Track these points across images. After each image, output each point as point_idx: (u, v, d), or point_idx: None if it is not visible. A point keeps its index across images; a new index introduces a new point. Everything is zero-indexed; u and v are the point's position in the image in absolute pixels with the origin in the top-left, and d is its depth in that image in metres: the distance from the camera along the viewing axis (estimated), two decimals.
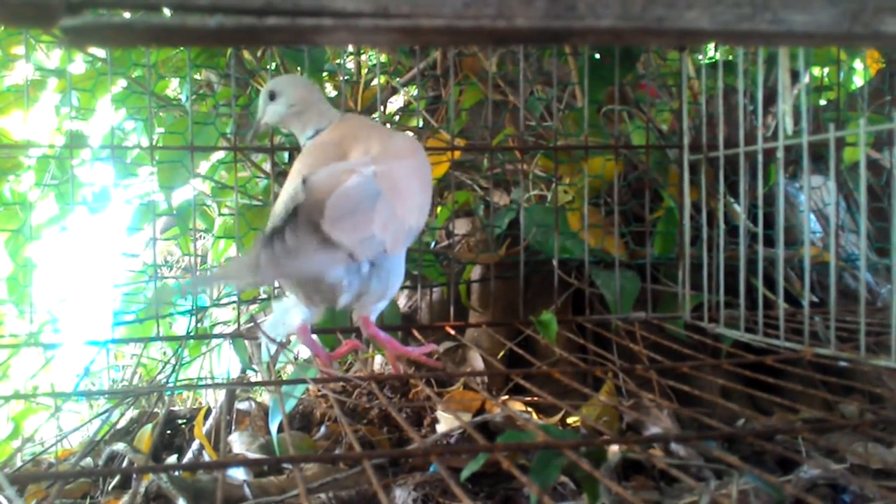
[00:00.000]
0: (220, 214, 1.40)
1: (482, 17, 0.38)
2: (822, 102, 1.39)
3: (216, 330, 1.51)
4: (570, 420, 1.08)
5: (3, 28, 1.35)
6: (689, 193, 1.08)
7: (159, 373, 1.48)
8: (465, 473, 0.71)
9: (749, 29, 0.41)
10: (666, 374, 0.88)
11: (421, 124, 1.29)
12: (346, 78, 1.35)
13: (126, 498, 0.97)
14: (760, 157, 0.94)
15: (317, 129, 0.94)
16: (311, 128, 0.94)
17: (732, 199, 1.13)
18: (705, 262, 1.03)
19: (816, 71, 1.36)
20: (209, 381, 1.52)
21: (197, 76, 1.59)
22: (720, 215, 1.06)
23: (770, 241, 1.10)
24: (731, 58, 1.32)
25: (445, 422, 1.13)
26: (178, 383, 1.37)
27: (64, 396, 0.92)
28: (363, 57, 1.56)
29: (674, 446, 0.96)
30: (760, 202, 0.94)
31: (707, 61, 1.33)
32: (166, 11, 0.37)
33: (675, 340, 1.01)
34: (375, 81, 1.44)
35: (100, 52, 1.40)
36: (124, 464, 1.17)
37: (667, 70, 1.33)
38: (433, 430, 1.16)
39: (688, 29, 0.40)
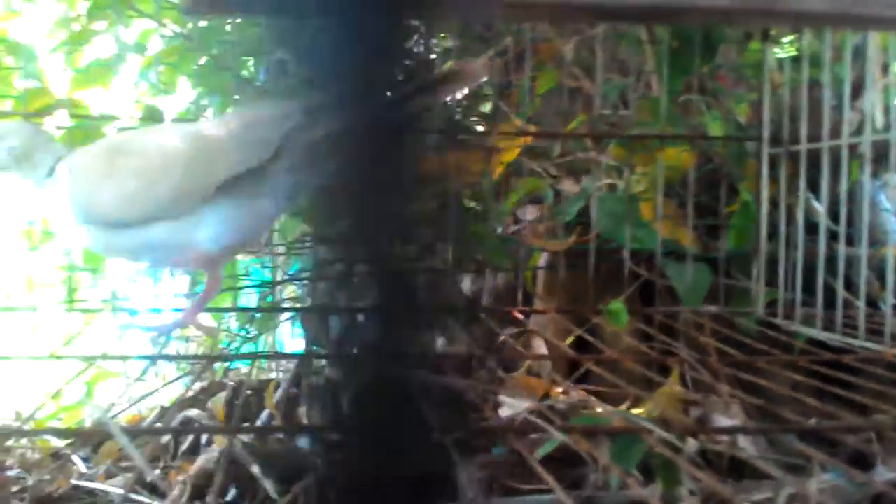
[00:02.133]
0: None
1: None
2: None
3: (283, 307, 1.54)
4: (635, 411, 1.07)
5: (93, 3, 1.39)
6: (768, 188, 1.06)
7: (229, 344, 1.51)
8: (541, 452, 0.72)
9: (864, 13, 0.40)
10: (737, 368, 0.87)
11: (489, 109, 1.30)
12: (421, 61, 1.36)
13: (199, 461, 1.01)
14: (845, 153, 0.92)
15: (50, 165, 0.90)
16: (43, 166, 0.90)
17: (812, 195, 1.11)
18: (782, 258, 1.02)
19: None
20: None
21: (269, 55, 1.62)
22: (799, 211, 1.04)
23: (850, 240, 1.08)
24: (807, 51, 1.28)
25: (509, 406, 1.13)
26: (250, 353, 1.40)
27: (139, 358, 0.96)
28: (433, 41, 1.56)
29: (741, 441, 0.95)
30: (844, 199, 0.92)
31: (787, 54, 1.30)
32: None
33: (746, 335, 1.00)
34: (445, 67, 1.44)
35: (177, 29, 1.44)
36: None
37: (746, 61, 1.30)
38: (495, 415, 1.16)
39: (802, 11, 0.39)
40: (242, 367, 1.74)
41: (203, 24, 1.41)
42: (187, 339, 2.04)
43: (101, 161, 0.87)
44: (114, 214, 0.86)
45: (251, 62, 1.66)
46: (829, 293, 0.99)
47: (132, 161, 0.86)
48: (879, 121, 0.88)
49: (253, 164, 0.84)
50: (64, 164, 0.89)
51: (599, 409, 1.00)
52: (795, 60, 1.10)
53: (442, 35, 1.54)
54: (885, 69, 0.96)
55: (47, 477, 1.20)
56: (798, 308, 1.01)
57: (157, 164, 0.86)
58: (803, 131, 1.00)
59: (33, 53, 1.37)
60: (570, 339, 1.17)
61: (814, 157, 1.00)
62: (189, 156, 0.85)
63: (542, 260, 1.26)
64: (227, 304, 1.52)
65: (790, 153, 1.04)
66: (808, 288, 1.00)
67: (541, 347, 1.23)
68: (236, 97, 1.50)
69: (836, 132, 0.97)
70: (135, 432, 0.87)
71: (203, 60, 1.42)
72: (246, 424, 1.27)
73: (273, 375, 1.69)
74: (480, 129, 1.45)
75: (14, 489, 1.16)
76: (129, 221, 0.86)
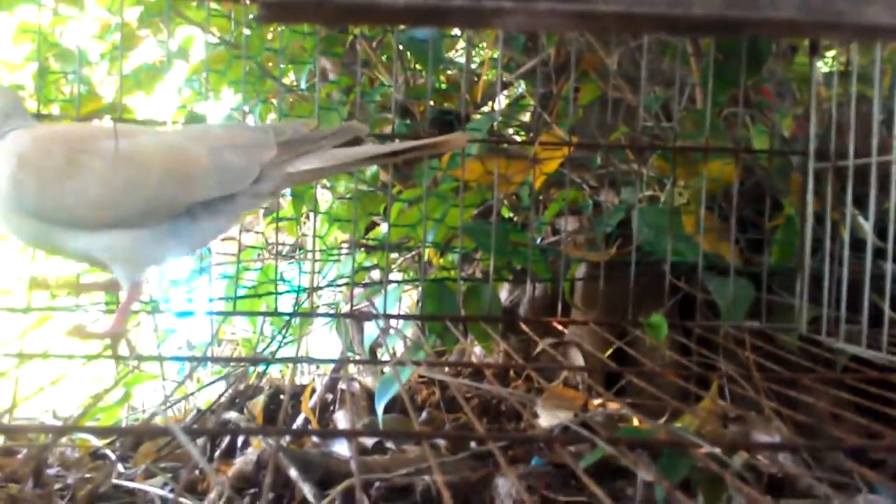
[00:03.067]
0: (336, 198, 1.44)
1: (659, 3, 0.39)
2: None
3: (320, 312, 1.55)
4: (674, 424, 1.06)
5: (143, 10, 1.42)
6: (812, 203, 1.05)
7: (265, 348, 1.53)
8: (583, 463, 0.71)
9: None
10: (778, 384, 0.86)
11: (530, 119, 1.30)
12: (466, 71, 1.37)
13: (238, 463, 1.01)
14: (895, 168, 0.91)
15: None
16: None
17: (857, 212, 1.10)
18: (826, 274, 1.01)
19: None
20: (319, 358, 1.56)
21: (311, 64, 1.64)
22: (845, 227, 1.03)
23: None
24: (856, 65, 1.27)
25: (546, 417, 1.13)
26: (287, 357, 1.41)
27: (176, 360, 0.97)
28: (477, 50, 1.57)
29: (781, 458, 0.94)
30: (892, 215, 0.91)
31: (832, 68, 1.29)
32: None
33: (787, 352, 0.99)
34: (488, 76, 1.45)
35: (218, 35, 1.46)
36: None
37: (792, 75, 1.29)
38: (532, 426, 1.16)
39: (868, 24, 0.39)
40: (275, 372, 1.76)
41: (248, 32, 1.43)
42: (220, 343, 2.07)
43: (59, 156, 0.84)
44: (69, 215, 0.83)
45: (293, 70, 1.68)
46: (874, 311, 0.98)
47: (97, 164, 0.84)
48: None
49: (230, 192, 0.86)
50: (17, 137, 0.85)
51: (637, 422, 1.00)
52: (843, 75, 1.09)
53: (485, 45, 1.55)
54: None
55: (87, 476, 1.22)
56: (842, 325, 0.99)
57: (129, 175, 0.84)
58: (851, 146, 0.99)
59: (84, 58, 1.40)
60: (608, 351, 1.16)
61: (860, 173, 0.99)
62: (165, 171, 0.84)
63: (580, 271, 1.26)
64: (264, 308, 1.54)
65: (836, 168, 1.03)
66: (853, 305, 0.99)
67: (578, 359, 1.22)
68: (276, 103, 1.52)
69: (883, 148, 0.96)
70: (193, 432, 0.88)
71: (247, 68, 1.44)
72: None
73: (307, 380, 1.70)
74: (522, 138, 1.46)
75: (56, 487, 1.17)
76: (84, 225, 0.84)
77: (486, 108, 1.48)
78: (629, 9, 0.39)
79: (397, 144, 0.98)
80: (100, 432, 1.35)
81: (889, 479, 0.94)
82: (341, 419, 1.24)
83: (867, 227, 0.96)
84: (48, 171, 0.82)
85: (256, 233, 1.89)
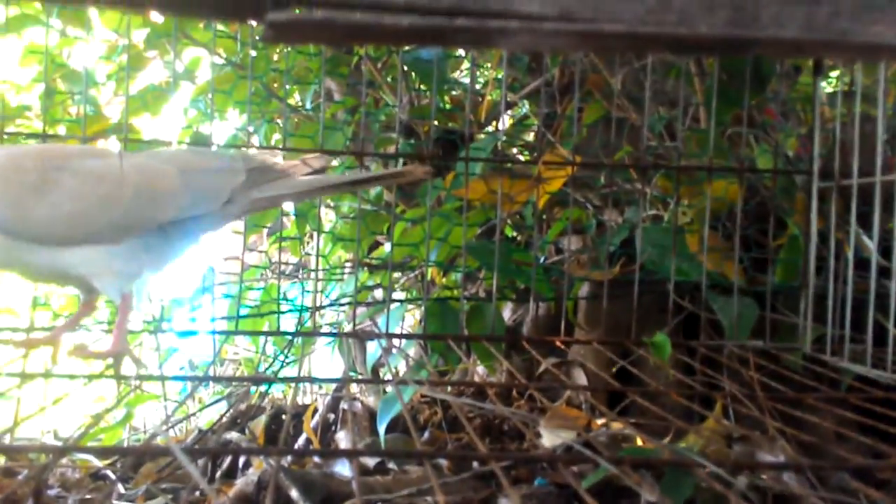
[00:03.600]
0: (340, 218, 1.44)
1: (664, 23, 0.39)
2: None
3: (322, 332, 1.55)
4: (679, 444, 1.06)
5: (150, 32, 1.43)
6: (816, 222, 1.05)
7: (267, 368, 1.52)
8: (585, 483, 0.71)
9: None
10: (783, 403, 0.86)
11: (533, 139, 1.31)
12: (470, 91, 1.38)
13: (239, 484, 1.01)
14: None
15: None
16: None
17: (861, 231, 1.10)
18: (830, 293, 1.01)
19: None
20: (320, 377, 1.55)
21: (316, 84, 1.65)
22: (849, 246, 1.03)
23: None
24: (860, 85, 1.28)
25: (548, 437, 1.13)
26: (290, 377, 1.40)
27: (177, 379, 0.97)
28: (481, 70, 1.58)
29: (785, 478, 0.94)
30: None
31: (836, 88, 1.29)
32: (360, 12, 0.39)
33: (792, 371, 0.99)
34: (492, 96, 1.46)
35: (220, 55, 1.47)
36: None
37: (795, 95, 1.30)
38: (534, 446, 1.16)
39: (873, 43, 0.39)
40: (276, 392, 1.76)
41: (254, 53, 1.44)
42: (223, 363, 2.06)
43: (29, 171, 0.84)
44: (41, 231, 0.84)
45: (298, 90, 1.69)
46: (879, 330, 0.98)
47: (69, 181, 0.85)
48: None
49: (199, 213, 0.90)
50: None
51: (640, 442, 0.99)
52: (847, 95, 1.09)
53: (489, 66, 1.55)
54: None
55: (88, 496, 1.21)
56: (847, 344, 0.99)
57: (102, 192, 0.86)
58: (855, 166, 0.99)
59: (92, 79, 1.41)
60: (612, 371, 1.16)
61: (865, 193, 0.99)
62: (138, 190, 0.87)
63: (584, 290, 1.26)
64: (266, 328, 1.54)
65: (840, 187, 1.03)
66: (857, 325, 0.99)
67: (581, 378, 1.22)
68: (281, 123, 1.52)
69: (887, 167, 0.96)
70: (194, 452, 0.88)
71: (253, 88, 1.45)
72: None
73: (308, 400, 1.70)
74: (525, 158, 1.46)
75: None
76: (56, 241, 0.85)
77: (490, 128, 1.48)
78: (634, 28, 0.39)
79: (357, 175, 1.07)
80: (100, 452, 1.34)
81: (894, 500, 0.93)
82: (343, 439, 1.23)
83: (871, 245, 0.96)
84: (21, 187, 0.84)
85: (260, 252, 1.89)
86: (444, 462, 1.10)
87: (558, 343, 1.11)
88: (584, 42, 0.39)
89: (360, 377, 1.41)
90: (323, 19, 0.38)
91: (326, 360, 1.72)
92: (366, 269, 1.41)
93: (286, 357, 1.47)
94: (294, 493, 0.98)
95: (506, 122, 1.67)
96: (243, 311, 1.46)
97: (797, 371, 1.01)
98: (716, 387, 1.00)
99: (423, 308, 1.18)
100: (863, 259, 1.03)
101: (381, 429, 1.12)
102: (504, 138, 1.44)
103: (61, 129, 1.42)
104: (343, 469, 1.09)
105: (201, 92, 1.51)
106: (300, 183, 0.95)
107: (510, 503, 0.92)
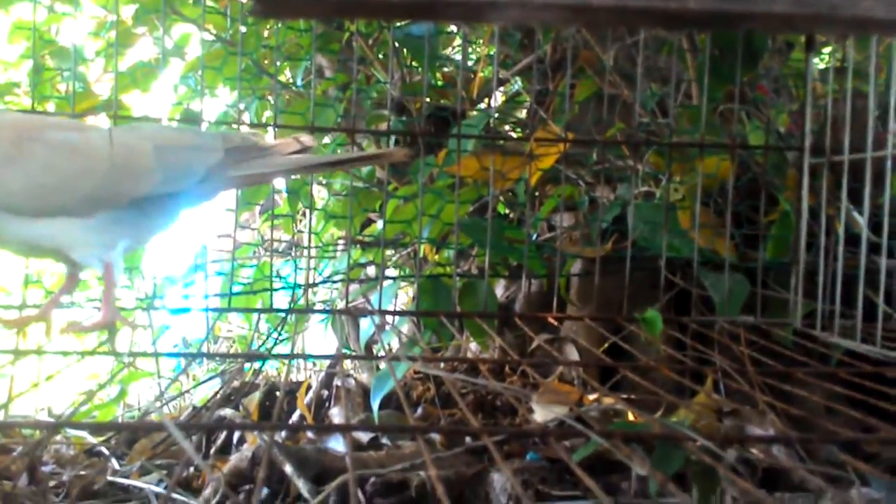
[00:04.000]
0: (332, 195, 1.44)
1: None
2: None
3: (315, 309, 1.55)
4: (670, 419, 1.07)
5: (139, 7, 1.42)
6: (807, 199, 1.05)
7: (260, 346, 1.53)
8: (576, 457, 0.72)
9: None
10: (773, 378, 0.87)
11: (525, 116, 1.30)
12: (462, 68, 1.37)
13: (233, 459, 1.01)
14: (889, 163, 0.91)
15: None
16: None
17: (853, 207, 1.10)
18: (821, 269, 1.01)
19: None
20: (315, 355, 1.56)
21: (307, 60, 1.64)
22: (840, 222, 1.03)
23: (892, 252, 1.07)
24: (844, 62, 1.28)
25: (541, 412, 1.13)
26: (283, 354, 1.41)
27: (172, 355, 0.97)
28: (474, 47, 1.57)
29: (775, 451, 0.95)
30: (887, 210, 0.91)
31: (828, 64, 1.29)
32: None
33: (781, 346, 0.99)
34: (484, 73, 1.45)
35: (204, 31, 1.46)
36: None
37: (787, 70, 1.30)
38: (526, 421, 1.17)
39: (862, 17, 0.39)
40: (270, 369, 1.76)
41: (243, 29, 1.43)
42: (216, 341, 2.07)
43: (5, 141, 0.84)
44: (12, 202, 0.84)
45: (289, 66, 1.68)
46: (869, 306, 0.98)
47: (42, 152, 0.85)
48: None
49: (175, 190, 0.90)
50: None
51: (632, 417, 1.00)
52: (838, 71, 1.09)
53: (481, 42, 1.55)
54: None
55: (83, 472, 1.22)
56: (837, 320, 1.00)
57: (77, 164, 0.86)
58: (846, 142, 0.99)
59: (80, 55, 1.40)
60: (603, 346, 1.17)
61: (856, 168, 1.00)
62: (113, 164, 0.86)
63: (576, 267, 1.26)
64: (259, 305, 1.54)
65: (832, 164, 1.03)
66: (847, 300, 0.99)
67: (573, 354, 1.22)
68: (272, 100, 1.52)
69: (878, 143, 0.96)
70: (187, 427, 0.88)
71: (243, 65, 1.44)
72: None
73: (302, 378, 1.70)
74: (518, 135, 1.46)
75: (51, 484, 1.17)
76: (29, 212, 0.85)
77: (482, 105, 1.48)
78: (623, 3, 0.39)
79: (336, 156, 1.05)
80: (95, 428, 1.35)
81: (882, 472, 0.94)
82: (336, 415, 1.24)
83: (861, 221, 0.97)
84: None
85: (252, 229, 1.89)
86: (437, 437, 1.11)
87: (550, 319, 1.11)
88: (573, 16, 0.39)
89: (353, 354, 1.41)
90: None
91: (320, 338, 1.72)
92: (358, 246, 1.41)
93: (279, 334, 1.47)
94: (288, 469, 0.99)
95: (498, 98, 1.66)
96: (236, 289, 1.46)
97: (787, 346, 1.02)
98: (707, 362, 1.00)
99: (415, 285, 1.18)
100: (854, 235, 1.04)
101: (375, 405, 1.13)
102: (496, 115, 1.43)
103: (50, 106, 1.40)
104: (337, 444, 1.09)
105: (191, 68, 1.50)
106: (280, 162, 0.94)
107: (502, 477, 0.93)
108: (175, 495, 1.08)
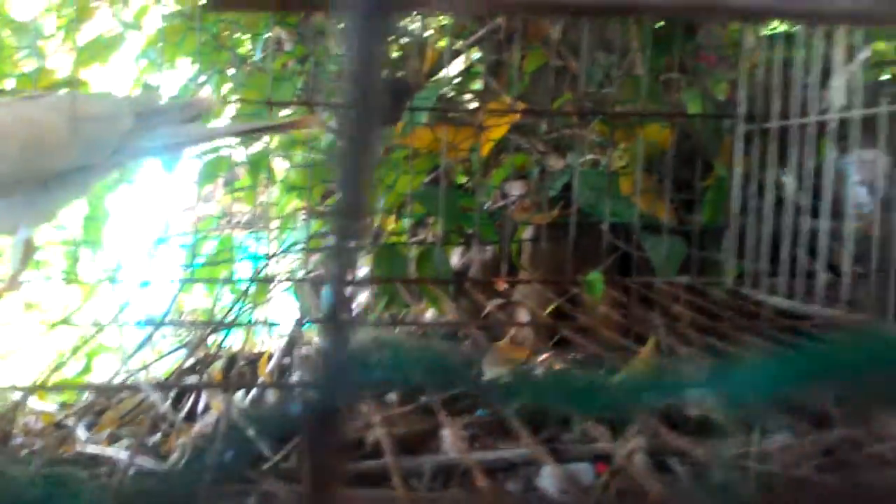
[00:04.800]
0: (292, 167, 1.47)
1: None
2: (884, 78, 1.39)
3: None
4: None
5: None
6: (742, 164, 1.11)
7: (223, 318, 1.56)
8: (510, 408, 0.77)
9: (789, 8, 0.44)
10: (706, 333, 0.92)
11: (480, 87, 1.34)
12: (411, 40, 1.40)
13: (198, 425, 1.06)
14: (814, 130, 0.97)
15: None
16: None
17: (783, 171, 1.16)
18: (752, 231, 1.07)
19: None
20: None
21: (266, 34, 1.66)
22: (771, 186, 1.09)
23: (815, 213, 1.13)
24: (791, 30, 1.32)
25: (490, 373, 1.18)
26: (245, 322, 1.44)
27: (137, 325, 1.00)
28: (429, 19, 1.60)
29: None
30: (809, 174, 0.97)
31: (768, 32, 1.34)
32: None
33: (717, 305, 1.05)
34: (439, 45, 1.48)
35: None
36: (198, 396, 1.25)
37: (727, 40, 1.34)
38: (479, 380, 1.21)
39: (743, 7, 0.44)
40: (235, 341, 1.79)
41: (202, 1, 1.44)
42: (180, 316, 2.09)
43: None
44: None
45: (249, 40, 1.70)
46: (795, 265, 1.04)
47: None
48: (839, 101, 0.92)
49: (89, 163, 0.88)
50: None
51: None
52: (771, 39, 1.14)
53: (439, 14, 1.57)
54: (851, 51, 1.00)
55: (53, 443, 1.25)
56: (764, 278, 1.06)
57: None
58: (775, 109, 1.04)
59: (39, 31, 1.41)
60: (549, 308, 1.22)
61: (786, 134, 1.05)
62: (25, 142, 0.85)
63: (527, 233, 1.31)
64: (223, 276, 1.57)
65: (763, 130, 1.08)
66: (778, 259, 1.05)
67: (524, 317, 1.27)
68: (232, 73, 1.54)
69: (809, 111, 1.01)
70: (158, 386, 0.92)
71: (202, 39, 1.45)
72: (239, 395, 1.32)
73: (265, 350, 1.74)
74: (471, 106, 1.49)
75: (22, 452, 1.21)
76: None
77: (437, 77, 1.51)
78: None
79: (252, 124, 1.03)
80: (66, 388, 1.38)
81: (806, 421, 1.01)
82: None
83: (789, 185, 1.02)
84: None
85: (218, 203, 1.91)
86: (394, 398, 1.15)
87: (501, 284, 1.16)
88: (478, 4, 0.43)
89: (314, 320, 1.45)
90: None
91: (282, 309, 1.76)
92: (318, 217, 1.44)
93: (242, 305, 1.51)
94: (250, 431, 1.03)
95: (454, 69, 1.69)
96: (199, 261, 1.49)
97: (722, 305, 1.07)
98: (647, 322, 1.06)
99: (373, 254, 1.22)
100: (784, 198, 1.09)
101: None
102: (450, 88, 1.47)
103: (10, 83, 1.42)
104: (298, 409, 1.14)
105: (151, 43, 1.52)
106: (191, 130, 0.93)
107: (452, 433, 0.98)
108: (142, 462, 1.11)
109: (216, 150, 1.42)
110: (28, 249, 0.91)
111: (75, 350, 1.29)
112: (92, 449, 1.22)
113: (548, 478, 0.81)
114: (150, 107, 0.92)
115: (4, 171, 0.85)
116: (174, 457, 1.12)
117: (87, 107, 0.90)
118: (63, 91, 1.17)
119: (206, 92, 1.47)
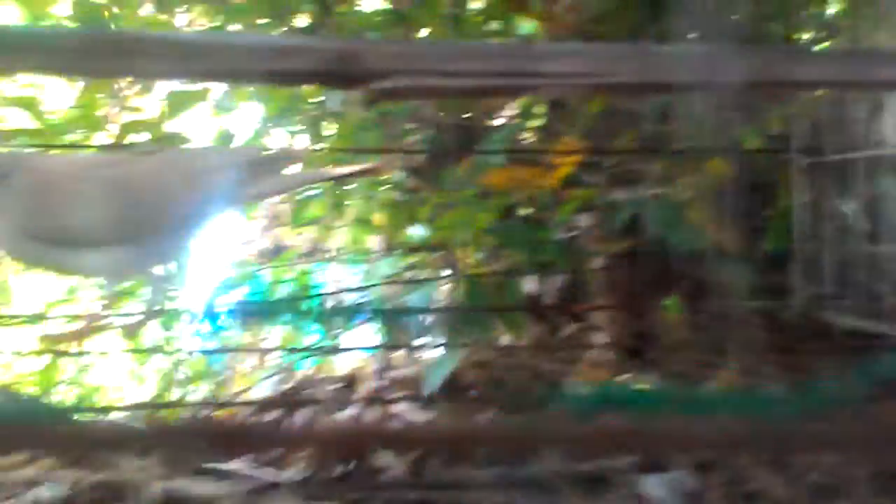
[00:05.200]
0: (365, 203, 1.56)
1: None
2: None
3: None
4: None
5: None
6: (803, 194, 1.18)
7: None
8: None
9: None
10: (781, 353, 0.99)
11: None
12: None
13: None
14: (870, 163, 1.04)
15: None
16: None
17: (843, 199, 1.23)
18: (817, 257, 1.13)
19: None
20: None
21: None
22: (832, 214, 1.16)
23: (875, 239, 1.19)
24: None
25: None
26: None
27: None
28: None
29: None
30: (857, 204, 1.03)
31: None
32: None
33: (789, 326, 1.12)
34: None
35: None
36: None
37: None
38: None
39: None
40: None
41: None
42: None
43: (66, 184, 0.94)
44: (71, 237, 0.93)
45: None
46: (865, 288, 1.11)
47: (96, 189, 0.94)
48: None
49: (209, 213, 0.97)
50: (23, 173, 0.94)
51: None
52: None
53: None
54: None
55: None
56: (832, 301, 1.13)
57: (124, 202, 0.93)
58: (831, 141, 1.12)
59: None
60: (627, 332, 1.30)
61: (843, 166, 1.12)
62: (152, 196, 0.94)
63: (599, 262, 1.39)
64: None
65: (820, 162, 1.15)
66: (842, 283, 1.12)
67: (602, 341, 1.35)
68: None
69: (866, 143, 1.08)
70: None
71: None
72: None
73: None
74: (539, 147, 1.58)
75: None
76: (84, 245, 0.94)
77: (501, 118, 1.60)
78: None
79: (341, 169, 1.09)
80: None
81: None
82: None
83: (853, 214, 1.09)
84: (59, 199, 0.93)
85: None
86: None
87: (577, 310, 1.24)
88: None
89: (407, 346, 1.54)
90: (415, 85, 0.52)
91: (363, 340, 1.84)
92: (399, 252, 1.53)
93: (324, 336, 1.60)
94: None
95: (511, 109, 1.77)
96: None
97: (793, 327, 1.14)
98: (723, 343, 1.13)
99: (454, 285, 1.31)
100: (847, 225, 1.16)
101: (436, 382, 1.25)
102: (516, 128, 1.55)
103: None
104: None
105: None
106: (286, 179, 1.01)
107: None
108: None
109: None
110: (161, 289, 1.02)
111: (188, 378, 1.38)
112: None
113: None
114: (255, 158, 1.02)
115: (136, 222, 0.95)
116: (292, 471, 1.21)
117: (205, 160, 1.00)
118: (180, 146, 1.28)
119: (299, 142, 1.57)
